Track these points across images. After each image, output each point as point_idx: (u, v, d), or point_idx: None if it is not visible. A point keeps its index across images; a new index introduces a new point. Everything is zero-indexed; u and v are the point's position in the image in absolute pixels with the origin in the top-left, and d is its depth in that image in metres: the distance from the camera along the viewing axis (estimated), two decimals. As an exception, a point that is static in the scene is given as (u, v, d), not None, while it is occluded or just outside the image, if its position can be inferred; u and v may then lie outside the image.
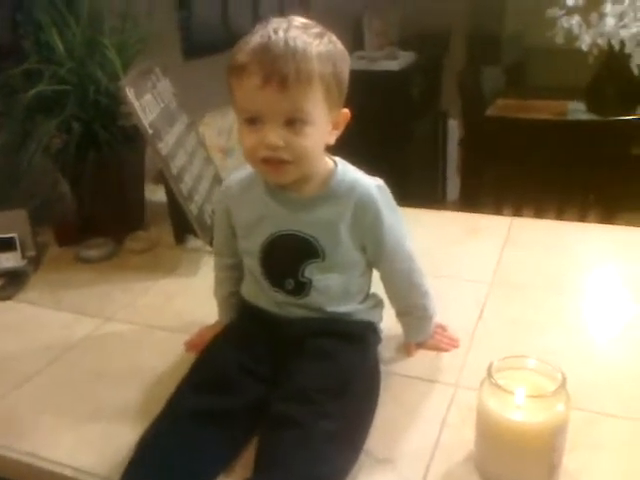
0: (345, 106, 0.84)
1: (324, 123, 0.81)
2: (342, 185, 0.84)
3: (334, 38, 0.81)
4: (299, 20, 0.80)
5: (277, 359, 0.84)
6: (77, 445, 0.82)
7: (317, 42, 0.77)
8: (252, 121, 0.78)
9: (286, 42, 0.75)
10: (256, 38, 0.77)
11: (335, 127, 0.83)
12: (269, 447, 0.72)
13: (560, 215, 1.84)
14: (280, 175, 0.82)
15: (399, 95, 3.12)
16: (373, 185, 0.86)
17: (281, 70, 0.75)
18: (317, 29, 0.79)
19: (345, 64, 0.82)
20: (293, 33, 0.76)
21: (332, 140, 0.84)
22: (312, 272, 0.85)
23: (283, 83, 0.75)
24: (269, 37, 0.76)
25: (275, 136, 0.77)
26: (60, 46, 1.27)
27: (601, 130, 1.93)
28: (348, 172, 0.86)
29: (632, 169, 1.88)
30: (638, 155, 1.96)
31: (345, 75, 0.82)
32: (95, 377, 0.95)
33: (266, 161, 0.79)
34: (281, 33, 0.76)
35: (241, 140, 0.81)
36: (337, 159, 0.87)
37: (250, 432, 0.78)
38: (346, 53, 0.83)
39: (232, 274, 0.97)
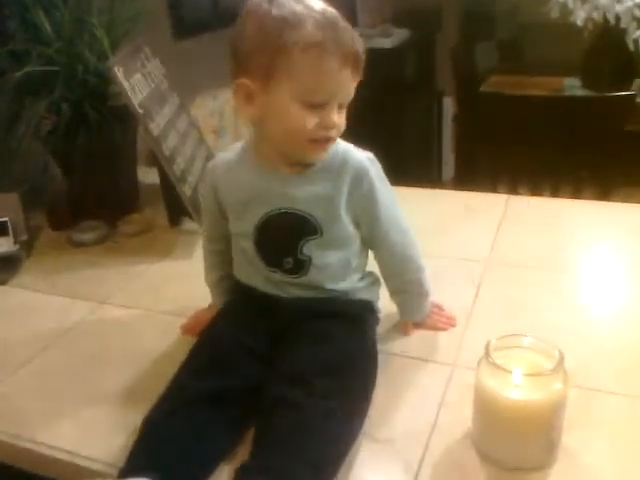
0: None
1: None
2: (335, 159, 0.83)
3: None
4: None
5: (276, 341, 0.84)
6: (77, 430, 0.81)
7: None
8: (317, 102, 0.76)
9: (339, 19, 0.76)
10: (304, 11, 0.74)
11: None
12: (267, 430, 0.72)
13: (556, 192, 1.83)
14: (324, 152, 0.81)
15: (393, 73, 3.10)
16: (365, 157, 0.85)
17: (356, 51, 0.75)
18: None
19: None
20: (328, 7, 0.77)
21: None
22: (311, 249, 0.84)
23: (357, 66, 0.76)
24: (319, 12, 0.74)
25: (335, 117, 0.78)
26: (47, 26, 1.24)
27: (596, 106, 1.92)
28: (339, 145, 0.84)
29: (627, 145, 1.87)
30: (632, 131, 1.95)
31: None
32: (92, 361, 0.95)
33: (316, 140, 0.79)
34: (319, 6, 0.75)
35: (290, 120, 0.77)
36: None
37: (251, 414, 0.77)
38: None
39: (222, 258, 0.96)
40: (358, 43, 0.77)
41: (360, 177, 0.83)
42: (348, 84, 0.77)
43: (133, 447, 0.72)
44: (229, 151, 0.89)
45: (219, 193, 0.89)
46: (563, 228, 1.26)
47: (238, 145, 0.89)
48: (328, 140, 0.79)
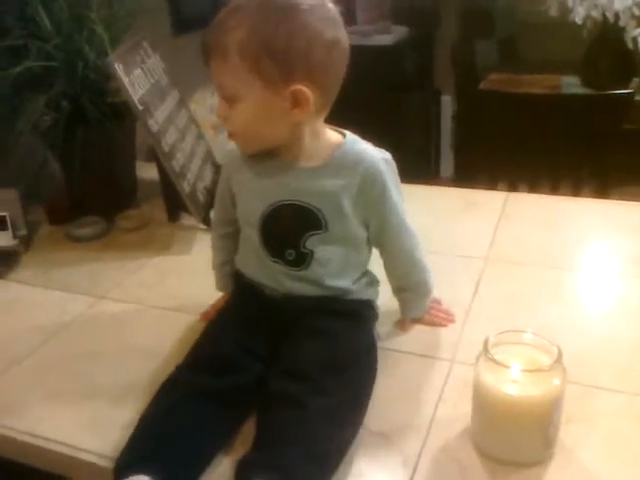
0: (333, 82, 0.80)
1: (265, 101, 0.76)
2: (348, 156, 0.82)
3: (295, 11, 0.74)
4: None
5: (275, 338, 0.84)
6: (75, 424, 0.81)
7: (260, 12, 0.73)
8: None
9: (224, 13, 0.76)
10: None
11: (296, 105, 0.77)
12: (268, 425, 0.72)
13: (554, 190, 1.83)
14: (238, 146, 0.85)
15: (392, 70, 3.09)
16: (380, 158, 0.84)
17: (205, 43, 0.76)
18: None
19: (292, 38, 0.74)
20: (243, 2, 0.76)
21: (299, 118, 0.78)
22: (314, 243, 0.84)
23: (206, 58, 0.77)
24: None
25: (219, 108, 0.80)
26: (46, 21, 1.24)
27: (595, 104, 1.92)
28: (356, 144, 0.84)
29: (625, 143, 1.87)
30: (631, 129, 1.95)
31: (289, 49, 0.74)
32: (90, 356, 0.95)
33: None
34: (242, 2, 0.76)
35: None
36: (347, 132, 0.86)
37: (249, 410, 0.78)
38: (304, 27, 0.74)
39: (227, 243, 0.96)
40: (213, 35, 0.75)
41: (373, 178, 0.82)
42: (217, 76, 0.77)
43: (129, 441, 0.72)
44: None
45: (232, 179, 0.89)
46: (562, 225, 1.26)
47: None
48: (229, 133, 0.82)
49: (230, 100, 0.78)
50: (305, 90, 0.76)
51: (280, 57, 0.74)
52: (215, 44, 0.75)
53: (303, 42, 0.74)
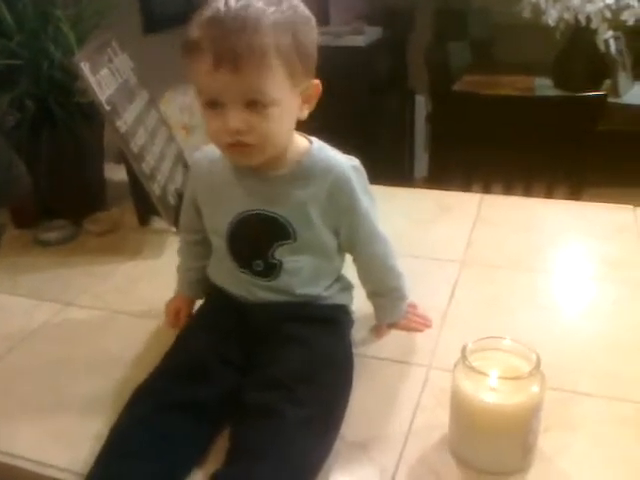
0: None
1: (290, 100, 0.75)
2: (317, 165, 0.81)
3: (295, 2, 0.75)
4: None
5: (249, 346, 0.82)
6: (41, 437, 0.78)
7: (273, 9, 0.71)
8: (212, 104, 0.73)
9: (237, 13, 0.69)
10: (207, 10, 0.71)
11: (306, 101, 0.78)
12: (243, 437, 0.70)
13: (528, 191, 1.84)
14: (245, 158, 0.78)
15: (365, 71, 3.09)
16: (349, 165, 0.82)
17: (232, 48, 0.68)
18: None
19: (309, 30, 0.76)
20: (245, 1, 0.70)
21: (304, 115, 0.79)
22: (282, 254, 0.82)
23: (235, 63, 0.69)
24: (218, 9, 0.70)
25: (237, 121, 0.72)
26: (8, 17, 1.20)
27: (568, 106, 1.93)
28: (323, 151, 0.82)
29: (598, 145, 1.88)
30: (604, 131, 1.96)
31: (310, 43, 0.75)
32: (57, 365, 0.91)
33: (231, 145, 0.75)
34: (232, 2, 0.70)
35: (205, 123, 0.76)
36: (313, 139, 0.84)
37: (224, 421, 0.75)
38: (310, 18, 0.76)
39: (193, 249, 0.95)
40: (243, 38, 0.68)
41: (340, 186, 0.81)
42: (235, 82, 0.70)
43: (98, 458, 0.69)
44: (213, 146, 0.86)
45: (197, 192, 0.88)
46: (536, 228, 1.26)
47: None
48: (244, 145, 0.74)
49: (264, 106, 0.72)
50: (318, 83, 0.79)
51: (307, 54, 0.75)
52: (249, 48, 0.69)
53: (314, 41, 0.77)
